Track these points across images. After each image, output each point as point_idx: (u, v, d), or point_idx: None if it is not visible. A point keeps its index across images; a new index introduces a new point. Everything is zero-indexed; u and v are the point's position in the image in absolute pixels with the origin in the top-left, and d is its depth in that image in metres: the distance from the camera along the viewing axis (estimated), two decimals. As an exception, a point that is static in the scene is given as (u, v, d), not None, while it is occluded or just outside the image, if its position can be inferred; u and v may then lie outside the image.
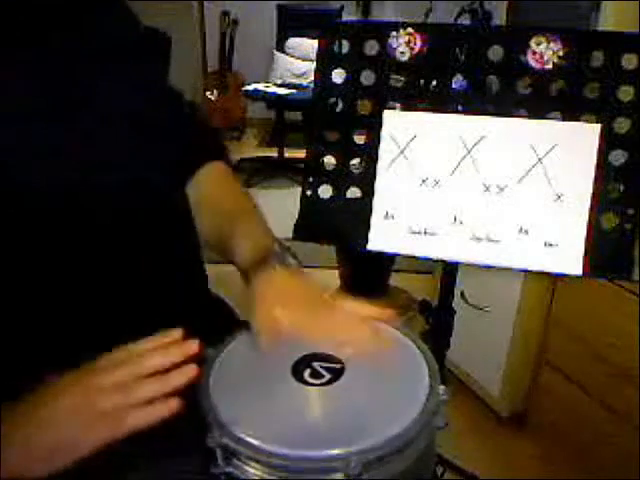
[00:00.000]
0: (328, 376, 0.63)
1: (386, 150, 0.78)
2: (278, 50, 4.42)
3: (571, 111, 0.73)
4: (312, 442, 0.55)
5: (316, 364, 0.64)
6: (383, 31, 0.78)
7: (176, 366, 0.53)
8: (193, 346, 0.55)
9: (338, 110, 0.81)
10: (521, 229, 0.75)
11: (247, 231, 0.77)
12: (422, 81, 0.78)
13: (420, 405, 0.59)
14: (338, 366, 0.64)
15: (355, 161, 0.80)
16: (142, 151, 0.70)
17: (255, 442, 0.54)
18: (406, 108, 0.78)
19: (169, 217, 0.75)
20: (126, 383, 0.52)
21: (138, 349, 0.55)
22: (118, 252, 0.66)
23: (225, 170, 0.87)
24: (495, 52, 0.75)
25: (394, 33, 0.77)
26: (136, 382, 0.53)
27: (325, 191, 0.80)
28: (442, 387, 0.61)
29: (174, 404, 0.52)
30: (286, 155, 3.94)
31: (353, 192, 0.80)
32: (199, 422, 0.57)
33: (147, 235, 0.70)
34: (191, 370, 0.53)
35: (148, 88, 0.75)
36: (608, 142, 0.72)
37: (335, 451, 0.53)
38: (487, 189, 0.76)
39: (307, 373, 0.63)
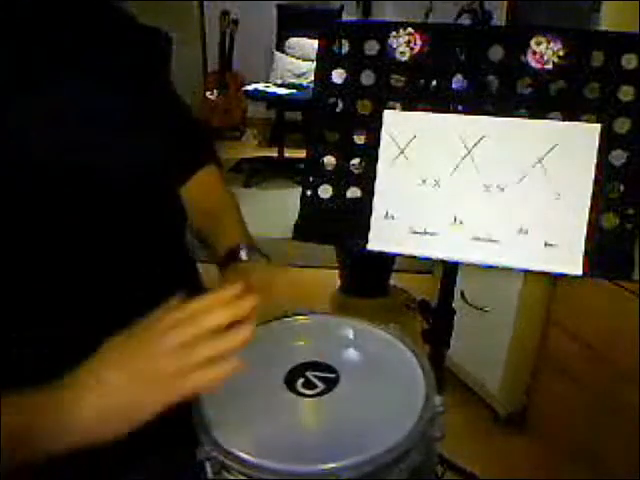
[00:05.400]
0: (322, 386, 0.61)
1: (386, 150, 0.78)
2: (278, 50, 4.42)
3: (571, 111, 0.73)
4: (303, 456, 0.53)
5: (310, 374, 0.63)
6: (383, 31, 0.78)
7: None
8: (251, 301, 0.53)
9: (338, 110, 0.81)
10: (521, 229, 0.75)
11: (222, 230, 0.83)
12: (422, 81, 0.78)
13: (415, 417, 0.57)
14: (332, 376, 0.62)
15: (355, 161, 0.80)
16: (144, 149, 0.70)
17: (245, 456, 0.53)
18: (406, 108, 0.78)
19: (165, 214, 0.76)
20: (188, 343, 0.51)
21: (199, 306, 0.54)
22: (113, 244, 0.67)
23: (215, 172, 0.91)
24: (495, 52, 0.75)
25: (394, 33, 0.77)
26: (198, 342, 0.51)
27: (325, 191, 0.80)
28: (439, 398, 0.60)
29: (234, 364, 0.51)
30: (286, 155, 3.94)
31: (353, 192, 0.80)
32: (190, 434, 0.57)
33: (144, 230, 0.71)
34: (246, 330, 0.52)
35: (152, 88, 0.76)
36: (608, 142, 0.72)
37: (326, 466, 0.52)
38: (487, 189, 0.76)
39: (300, 383, 0.62)
